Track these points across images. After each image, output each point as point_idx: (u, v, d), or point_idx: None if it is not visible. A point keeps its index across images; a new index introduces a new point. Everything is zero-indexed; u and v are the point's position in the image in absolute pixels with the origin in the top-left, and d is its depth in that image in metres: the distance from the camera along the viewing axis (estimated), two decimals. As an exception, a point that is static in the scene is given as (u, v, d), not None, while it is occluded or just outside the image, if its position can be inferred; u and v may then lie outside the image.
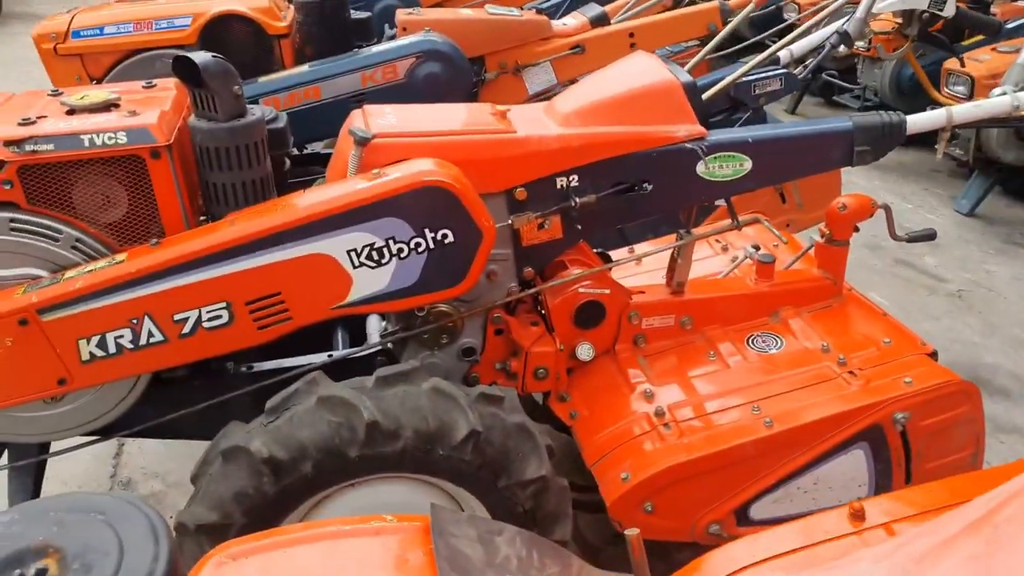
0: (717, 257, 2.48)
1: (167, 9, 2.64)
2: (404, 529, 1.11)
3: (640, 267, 2.39)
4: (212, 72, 1.55)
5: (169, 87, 1.73)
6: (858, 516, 1.05)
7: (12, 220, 1.50)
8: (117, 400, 1.72)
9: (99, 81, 2.68)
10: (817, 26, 2.27)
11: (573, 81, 3.21)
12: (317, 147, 2.91)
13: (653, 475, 1.72)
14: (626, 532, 1.06)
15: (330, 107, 2.62)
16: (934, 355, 1.95)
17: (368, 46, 2.84)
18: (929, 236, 2.27)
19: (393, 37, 2.91)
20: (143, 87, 1.71)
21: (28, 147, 1.47)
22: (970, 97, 4.16)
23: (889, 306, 3.66)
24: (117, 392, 1.71)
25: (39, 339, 1.50)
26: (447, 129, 1.77)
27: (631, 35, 3.19)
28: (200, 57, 1.55)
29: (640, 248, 2.48)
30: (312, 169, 2.43)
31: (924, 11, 2.26)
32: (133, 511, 0.56)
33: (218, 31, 2.60)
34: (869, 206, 2.12)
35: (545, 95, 3.18)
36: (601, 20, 3.32)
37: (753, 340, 2.06)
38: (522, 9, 3.51)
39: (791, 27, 3.19)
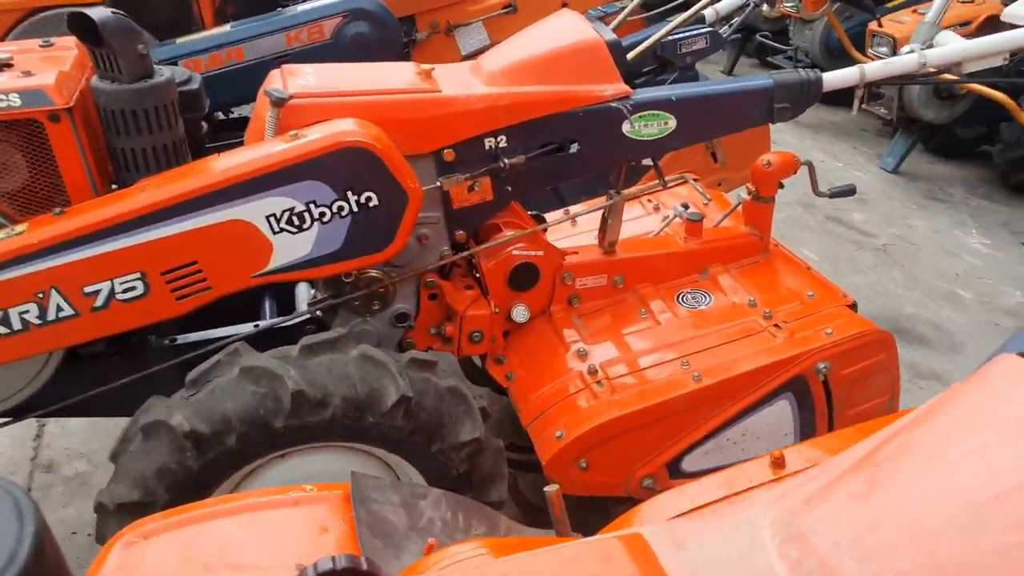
0: (649, 217, 2.50)
1: (72, -35, 2.49)
2: (324, 498, 1.09)
3: (575, 228, 2.39)
4: (112, 29, 1.46)
5: (69, 46, 1.63)
6: (779, 464, 1.08)
7: (-102, 192, 1.41)
8: (28, 378, 1.64)
9: (-1, 42, 2.53)
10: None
11: (505, 41, 3.16)
12: (245, 111, 2.81)
13: (586, 432, 1.74)
14: (545, 489, 1.06)
15: (254, 69, 2.52)
16: (854, 306, 2.01)
17: (292, 5, 2.73)
18: (849, 192, 2.33)
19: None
20: (40, 46, 1.61)
21: (-88, 112, 1.37)
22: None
23: (820, 261, 3.78)
24: (27, 370, 1.63)
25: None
26: (369, 88, 1.72)
27: (563, -6, 3.14)
28: (98, 13, 1.46)
29: (574, 209, 2.48)
30: (238, 134, 2.35)
31: (847, -32, 2.29)
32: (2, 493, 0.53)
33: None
34: (793, 163, 2.16)
35: (479, 55, 3.12)
36: (532, -22, 3.26)
37: (683, 297, 2.09)
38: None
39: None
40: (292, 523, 1.04)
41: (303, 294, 1.98)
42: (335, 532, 1.03)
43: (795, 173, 2.19)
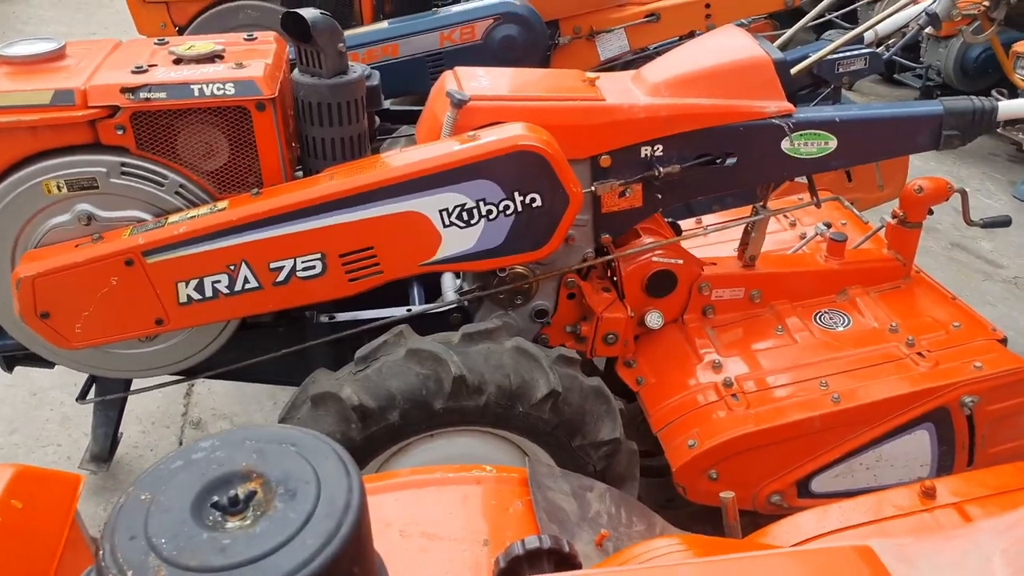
0: (784, 232, 2.48)
1: (251, -41, 2.67)
2: (503, 479, 1.16)
3: (706, 239, 2.40)
4: (321, 28, 1.58)
5: (269, 40, 1.76)
6: (929, 494, 1.08)
7: (123, 164, 1.56)
8: (207, 342, 1.79)
9: (183, 29, 2.73)
10: (903, 5, 2.23)
11: (645, 49, 3.19)
12: (386, 104, 2.93)
13: (720, 444, 1.76)
14: (721, 495, 1.10)
15: (407, 65, 2.64)
16: (1004, 341, 1.96)
17: (446, 6, 2.84)
18: (1004, 223, 2.25)
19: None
20: (245, 39, 1.75)
21: (142, 95, 1.52)
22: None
23: (946, 291, 3.64)
24: (207, 334, 1.78)
25: (141, 279, 1.56)
26: (539, 94, 1.79)
27: (707, 5, 3.14)
28: (309, 13, 1.58)
29: (708, 219, 2.49)
30: (383, 126, 2.46)
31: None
32: (322, 445, 0.61)
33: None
34: (946, 189, 2.11)
35: (616, 61, 3.16)
36: (678, -14, 3.27)
37: (820, 317, 2.07)
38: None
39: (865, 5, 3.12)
40: (476, 500, 1.11)
41: (449, 283, 2.07)
42: (515, 513, 1.10)
43: (947, 200, 2.14)
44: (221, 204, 1.60)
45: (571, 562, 0.87)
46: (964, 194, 2.13)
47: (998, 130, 4.56)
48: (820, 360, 1.92)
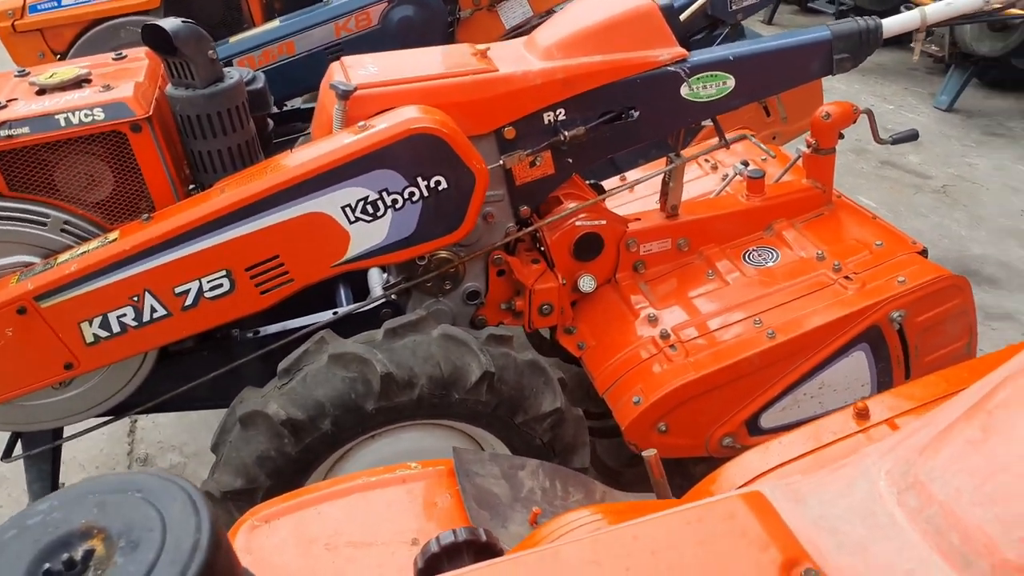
0: (707, 177, 2.48)
1: (123, -26, 2.55)
2: (429, 474, 1.14)
3: (633, 194, 2.39)
4: (184, 38, 1.51)
5: (140, 57, 1.68)
6: (862, 415, 1.08)
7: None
8: (127, 378, 1.73)
9: (63, 55, 2.60)
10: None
11: (550, 12, 3.14)
12: (296, 103, 2.86)
13: (664, 396, 1.76)
14: (643, 453, 1.09)
15: (306, 61, 2.57)
16: (924, 252, 1.98)
17: (335, -7, 2.76)
18: (912, 137, 2.27)
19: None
20: (113, 59, 1.66)
21: (3, 132, 1.44)
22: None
23: (878, 207, 3.71)
24: (126, 370, 1.72)
25: (40, 326, 1.50)
26: (429, 74, 1.74)
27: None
28: (170, 24, 1.50)
29: (631, 175, 2.48)
30: (294, 126, 2.40)
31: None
32: (170, 486, 0.57)
33: (181, -8, 2.52)
34: (852, 112, 2.12)
35: (523, 27, 3.11)
36: (568, -55, 3.22)
37: (749, 255, 2.08)
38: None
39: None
40: (402, 500, 1.09)
41: (376, 279, 2.03)
42: (443, 506, 1.08)
43: (855, 122, 2.15)
44: (112, 235, 1.53)
45: (492, 550, 0.85)
46: (870, 114, 2.14)
47: (911, 45, 4.62)
48: (753, 298, 1.92)
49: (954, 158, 4.34)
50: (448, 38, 3.05)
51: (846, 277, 1.90)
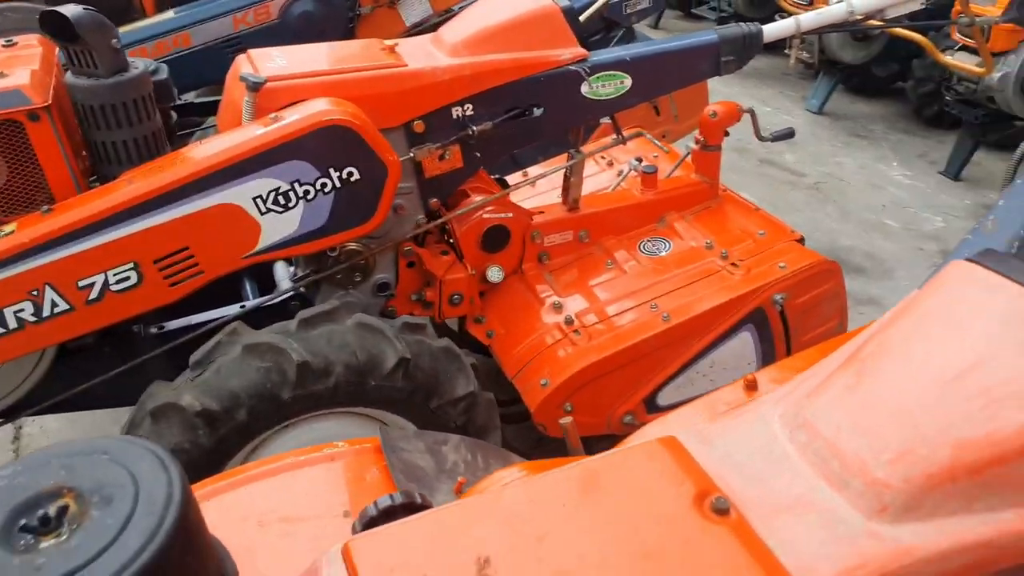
0: (604, 172, 2.61)
1: (2, -43, 2.42)
2: (356, 451, 1.18)
3: (535, 189, 2.48)
4: (87, 26, 1.47)
5: (32, 44, 1.62)
6: (751, 386, 1.20)
7: None
8: (22, 378, 1.66)
9: (-67, 43, 2.43)
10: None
11: (449, 11, 3.20)
12: (189, 96, 2.79)
13: (569, 377, 1.86)
14: (561, 422, 1.18)
15: (202, 54, 2.51)
16: (801, 240, 2.18)
17: (232, -14, 2.71)
18: (789, 134, 2.48)
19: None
20: (3, 46, 1.60)
21: None
22: (811, 5, 4.46)
23: (759, 203, 3.97)
24: (22, 368, 1.66)
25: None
26: (339, 68, 1.76)
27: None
28: (71, 11, 1.46)
29: (533, 171, 2.57)
30: (190, 120, 2.35)
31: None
32: (134, 447, 0.60)
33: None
34: (737, 111, 2.30)
35: (423, 25, 3.15)
36: (467, -55, 3.29)
37: (644, 245, 2.22)
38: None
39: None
40: (331, 476, 1.13)
41: (281, 273, 2.03)
42: (372, 480, 1.12)
43: (739, 121, 2.33)
44: (8, 227, 1.48)
45: (426, 513, 0.91)
46: (752, 113, 2.32)
47: (785, 51, 4.93)
48: (649, 285, 2.06)
49: (824, 157, 4.70)
50: (348, 34, 3.06)
51: (733, 264, 2.06)
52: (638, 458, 0.74)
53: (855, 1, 1.95)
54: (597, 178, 2.56)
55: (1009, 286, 0.77)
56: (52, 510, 0.54)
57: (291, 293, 1.92)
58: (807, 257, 2.07)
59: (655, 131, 3.06)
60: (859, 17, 1.98)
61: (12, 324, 1.50)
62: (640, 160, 2.42)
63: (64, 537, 0.53)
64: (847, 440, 0.73)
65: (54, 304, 1.51)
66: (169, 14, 2.63)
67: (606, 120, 2.15)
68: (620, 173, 2.45)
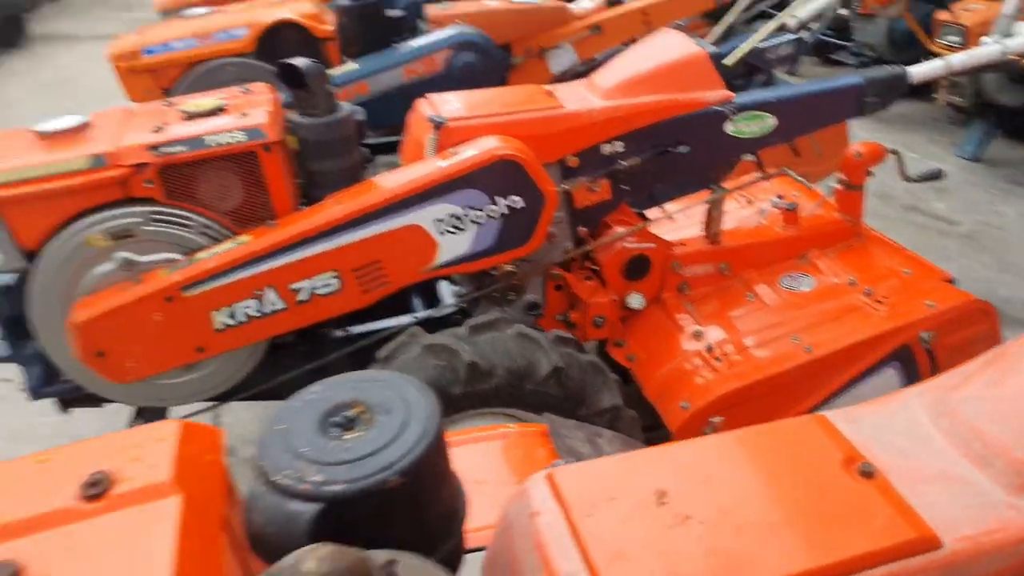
0: (743, 210, 2.71)
1: (224, 21, 2.87)
2: (526, 434, 1.36)
3: (676, 224, 2.62)
4: (313, 74, 1.80)
5: (263, 91, 1.97)
6: None
7: (153, 213, 1.75)
8: (239, 366, 1.97)
9: (168, 91, 2.92)
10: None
11: (592, 59, 3.43)
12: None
13: (710, 402, 1.95)
14: (711, 420, 1.30)
15: (377, 100, 2.85)
16: (951, 281, 2.18)
17: (403, 41, 3.06)
18: (936, 175, 2.50)
19: (426, 31, 3.14)
20: (242, 92, 1.95)
21: (164, 150, 1.72)
22: (964, 46, 4.36)
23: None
24: (239, 359, 1.96)
25: (182, 312, 1.75)
26: (506, 110, 2.00)
27: (644, 13, 3.40)
28: (302, 62, 1.79)
29: (671, 207, 2.72)
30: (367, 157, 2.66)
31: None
32: (404, 379, 0.81)
33: (273, 39, 2.83)
34: (881, 152, 2.35)
35: (568, 73, 3.40)
36: (615, 1, 3.54)
37: (785, 280, 2.30)
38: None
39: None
40: (506, 451, 1.31)
41: (446, 290, 2.27)
42: (540, 457, 1.29)
43: (883, 160, 2.39)
44: (243, 238, 1.79)
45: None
46: (898, 154, 2.37)
47: (933, 96, 4.82)
48: (790, 318, 2.13)
49: (980, 205, 4.51)
50: (502, 83, 3.34)
51: (878, 301, 2.10)
52: (790, 428, 0.87)
53: (1009, 41, 1.99)
54: (737, 215, 2.67)
55: None
56: (351, 414, 0.75)
57: (454, 308, 2.15)
58: (957, 296, 2.07)
59: (796, 172, 3.14)
60: (1014, 57, 2.02)
61: (241, 318, 1.80)
62: (781, 198, 2.51)
63: (361, 433, 0.74)
64: (990, 426, 0.82)
65: (272, 303, 1.80)
66: (352, 65, 3.00)
67: (748, 158, 2.28)
68: (761, 211, 2.55)
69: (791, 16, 2.54)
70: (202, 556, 0.67)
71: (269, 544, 0.70)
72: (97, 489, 0.70)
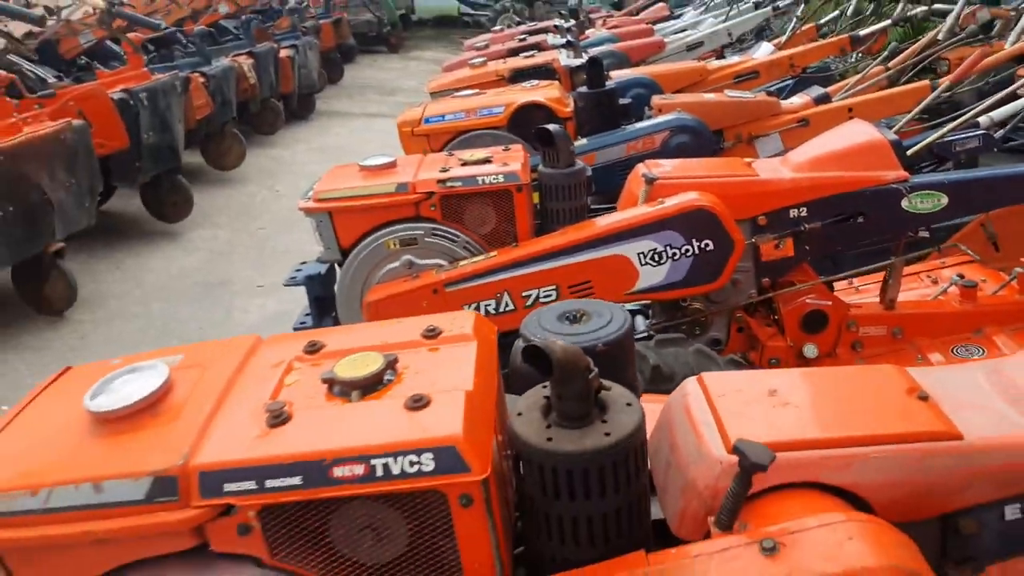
0: (927, 289, 2.91)
1: (487, 101, 3.64)
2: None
3: (857, 293, 2.89)
4: (560, 136, 2.41)
5: (519, 150, 2.61)
6: None
7: (434, 228, 2.42)
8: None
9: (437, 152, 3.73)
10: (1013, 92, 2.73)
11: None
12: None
13: None
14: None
15: (601, 171, 3.42)
16: None
17: (631, 123, 3.65)
18: None
19: (651, 116, 3.71)
20: (503, 150, 2.61)
21: (448, 184, 2.39)
22: None
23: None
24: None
25: (443, 303, 2.35)
26: (708, 174, 2.47)
27: (850, 110, 3.73)
28: (553, 127, 2.41)
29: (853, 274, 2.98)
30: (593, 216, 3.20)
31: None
32: (605, 304, 1.29)
33: (523, 116, 3.54)
34: (1068, 240, 2.51)
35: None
36: (823, 99, 3.91)
37: (958, 350, 2.48)
38: (754, 92, 4.19)
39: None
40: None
41: (640, 323, 2.72)
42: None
43: (1071, 250, 2.53)
44: (492, 253, 2.39)
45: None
46: (1086, 243, 2.52)
47: None
48: None
49: None
50: (712, 165, 3.80)
51: None
52: (874, 368, 1.23)
53: None
54: (915, 292, 2.88)
55: None
56: (576, 315, 1.25)
57: (646, 335, 2.59)
58: None
59: (992, 267, 3.25)
60: None
61: (483, 312, 2.37)
62: (962, 276, 2.71)
63: (583, 323, 1.23)
64: (1026, 380, 1.14)
65: (507, 304, 2.36)
66: (583, 141, 3.62)
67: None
68: (942, 288, 2.75)
69: (987, 116, 2.80)
70: (487, 370, 1.17)
71: (519, 376, 1.20)
72: (432, 333, 1.24)
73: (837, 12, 6.28)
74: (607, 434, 1.02)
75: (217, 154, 6.97)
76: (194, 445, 1.07)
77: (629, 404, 1.07)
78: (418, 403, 1.06)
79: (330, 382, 1.14)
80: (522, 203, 2.41)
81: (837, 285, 2.83)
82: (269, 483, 1.03)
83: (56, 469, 1.09)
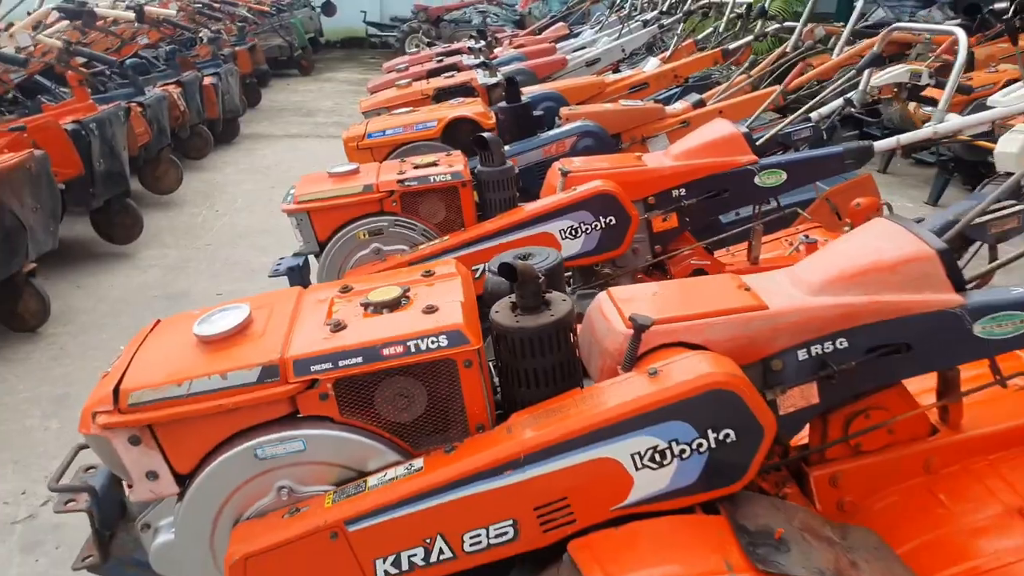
0: (785, 250, 3.71)
1: (422, 117, 4.25)
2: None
3: (730, 258, 3.65)
4: (495, 142, 3.05)
5: (459, 155, 3.24)
6: None
7: (396, 220, 3.00)
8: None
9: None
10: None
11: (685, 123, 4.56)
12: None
13: None
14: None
15: (523, 172, 4.00)
16: None
17: (544, 132, 4.34)
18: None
19: (560, 125, 4.42)
20: (447, 155, 3.23)
21: (406, 183, 2.99)
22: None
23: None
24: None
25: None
26: (610, 166, 3.15)
27: (720, 112, 4.55)
28: (488, 135, 3.04)
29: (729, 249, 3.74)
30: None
31: (907, 82, 3.51)
32: (543, 248, 1.94)
33: (453, 128, 4.18)
34: (876, 203, 3.31)
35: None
36: (700, 104, 4.74)
37: None
38: (645, 101, 4.98)
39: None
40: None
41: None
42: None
43: (880, 211, 3.33)
44: (445, 238, 2.99)
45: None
46: (888, 206, 3.32)
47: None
48: None
49: None
50: (611, 163, 4.52)
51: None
52: (718, 276, 1.91)
53: (939, 126, 2.95)
54: (778, 252, 3.67)
55: None
56: (525, 256, 1.89)
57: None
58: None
59: (839, 229, 4.09)
60: (942, 137, 2.98)
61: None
62: (807, 237, 3.51)
63: (530, 260, 1.87)
64: (806, 275, 1.83)
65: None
66: (506, 148, 4.26)
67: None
68: (791, 244, 3.54)
69: (816, 112, 3.62)
70: (469, 293, 1.77)
71: (491, 296, 1.82)
72: (429, 274, 1.84)
73: (711, 28, 7.22)
74: (552, 315, 1.66)
75: (155, 178, 7.32)
76: (283, 347, 1.58)
77: (564, 300, 1.72)
78: (431, 310, 1.67)
79: (367, 304, 1.73)
80: (467, 196, 3.03)
81: (719, 253, 3.59)
82: (341, 363, 1.54)
83: (189, 369, 1.55)
